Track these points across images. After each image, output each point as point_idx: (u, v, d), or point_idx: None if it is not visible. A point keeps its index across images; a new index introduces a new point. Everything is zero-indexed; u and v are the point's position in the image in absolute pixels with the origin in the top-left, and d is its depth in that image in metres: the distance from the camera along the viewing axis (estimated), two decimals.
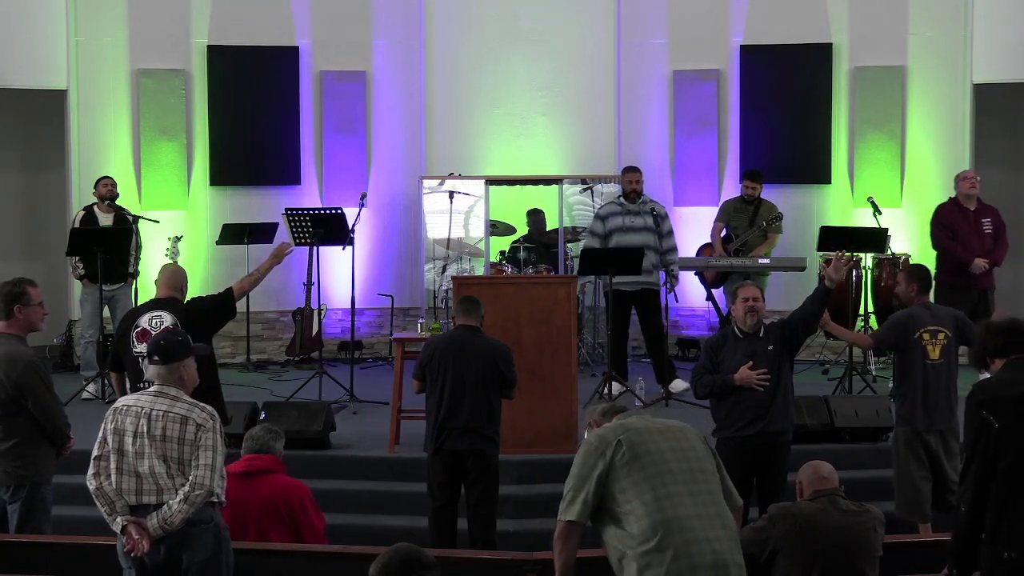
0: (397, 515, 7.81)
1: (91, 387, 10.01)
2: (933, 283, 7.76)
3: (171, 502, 5.18)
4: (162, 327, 6.73)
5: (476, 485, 7.02)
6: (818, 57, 12.19)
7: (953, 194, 10.57)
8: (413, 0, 12.53)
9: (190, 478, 5.19)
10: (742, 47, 12.31)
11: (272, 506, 6.12)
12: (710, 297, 11.36)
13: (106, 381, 9.91)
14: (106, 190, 10.43)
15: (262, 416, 8.33)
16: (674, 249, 10.36)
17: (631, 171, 10.41)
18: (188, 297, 7.21)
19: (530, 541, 7.21)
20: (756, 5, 12.29)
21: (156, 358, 5.35)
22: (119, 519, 5.22)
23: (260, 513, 6.10)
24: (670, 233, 10.34)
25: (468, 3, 12.65)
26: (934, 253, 10.49)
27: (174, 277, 7.14)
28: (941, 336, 7.26)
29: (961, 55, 11.94)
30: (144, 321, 6.86)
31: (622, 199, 10.33)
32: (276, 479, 6.22)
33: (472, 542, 6.99)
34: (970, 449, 4.52)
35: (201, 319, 6.88)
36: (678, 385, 9.93)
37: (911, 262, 10.89)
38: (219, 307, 7.06)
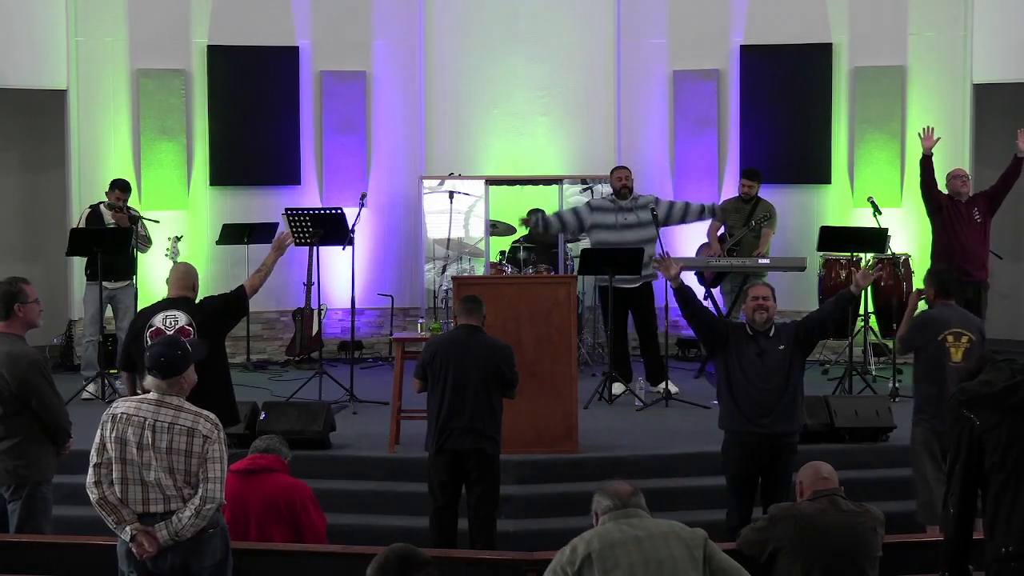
0: (397, 515, 7.80)
1: (91, 387, 10.01)
2: (955, 285, 7.60)
3: (182, 515, 5.09)
4: (177, 327, 6.74)
5: (477, 485, 7.00)
6: (818, 57, 12.19)
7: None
8: (413, 0, 12.53)
9: (200, 492, 5.10)
10: (742, 47, 12.32)
11: (273, 505, 6.12)
12: (709, 296, 11.35)
13: (106, 381, 9.91)
14: (113, 198, 10.36)
15: (262, 416, 8.34)
16: (688, 203, 10.45)
17: (620, 169, 10.43)
18: (199, 297, 7.18)
19: (530, 541, 7.21)
20: (756, 5, 12.29)
21: (156, 372, 5.24)
22: (128, 528, 5.13)
23: (261, 512, 6.10)
24: (673, 201, 10.50)
25: (468, 3, 12.64)
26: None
27: (186, 276, 7.11)
28: (965, 339, 7.19)
29: (961, 55, 11.95)
30: (159, 320, 6.84)
31: (613, 197, 10.27)
32: (278, 478, 6.22)
33: (472, 542, 6.98)
34: (954, 450, 4.53)
35: (215, 318, 6.90)
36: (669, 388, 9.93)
37: (911, 263, 10.92)
38: (232, 305, 7.06)
